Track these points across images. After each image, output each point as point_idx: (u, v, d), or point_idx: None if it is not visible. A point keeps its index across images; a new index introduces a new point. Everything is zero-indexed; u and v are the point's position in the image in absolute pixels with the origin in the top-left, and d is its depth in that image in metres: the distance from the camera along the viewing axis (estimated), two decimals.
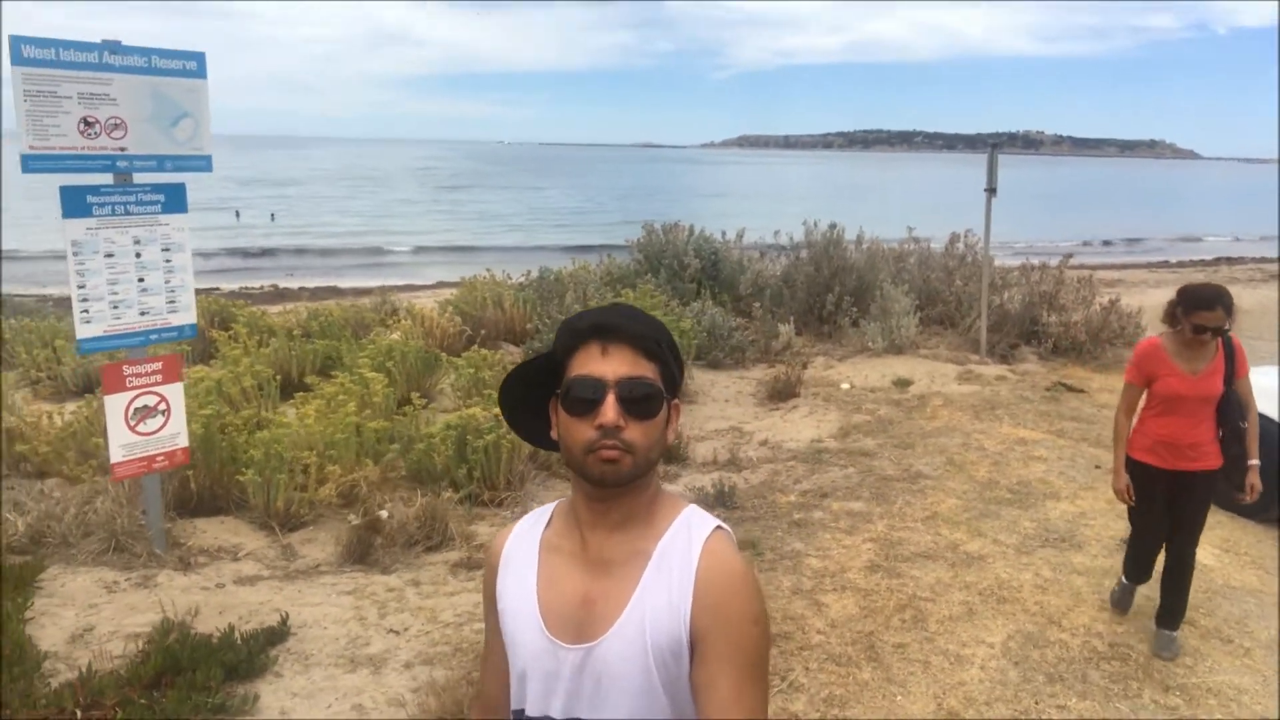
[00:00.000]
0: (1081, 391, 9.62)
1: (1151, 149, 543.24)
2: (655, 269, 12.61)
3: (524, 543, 1.53)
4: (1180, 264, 27.74)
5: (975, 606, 4.65)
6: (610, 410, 1.36)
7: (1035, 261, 12.88)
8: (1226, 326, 4.13)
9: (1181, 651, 4.32)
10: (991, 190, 10.90)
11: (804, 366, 10.16)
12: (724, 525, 1.47)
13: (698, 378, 9.80)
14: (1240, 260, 28.68)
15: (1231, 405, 4.22)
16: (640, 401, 1.39)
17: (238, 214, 39.94)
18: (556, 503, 1.58)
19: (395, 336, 10.41)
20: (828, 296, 12.10)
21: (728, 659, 1.34)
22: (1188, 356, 4.23)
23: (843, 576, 4.99)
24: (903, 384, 9.68)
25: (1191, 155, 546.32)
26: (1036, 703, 3.83)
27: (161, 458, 5.20)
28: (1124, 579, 4.71)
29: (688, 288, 12.26)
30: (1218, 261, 28.27)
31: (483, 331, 11.13)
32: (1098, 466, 6.92)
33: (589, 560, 1.45)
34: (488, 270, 13.36)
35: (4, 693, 3.56)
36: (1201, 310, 4.09)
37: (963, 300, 12.18)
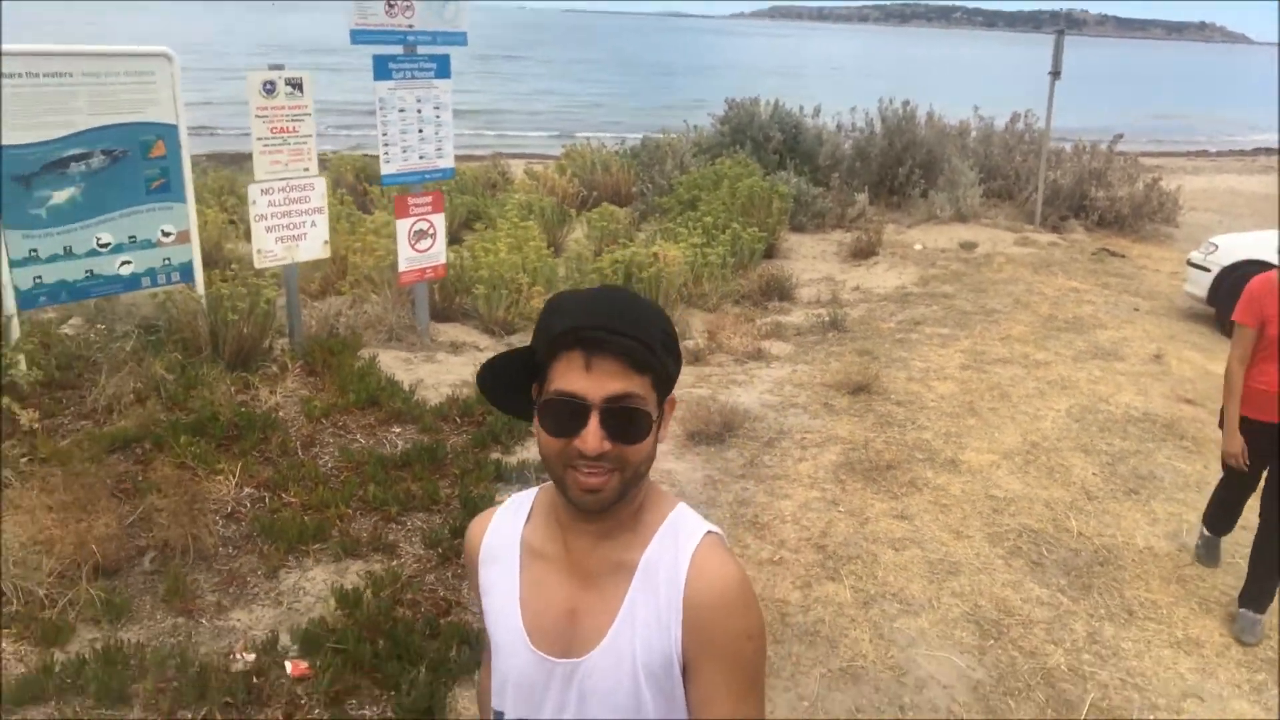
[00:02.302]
0: (1123, 257, 11.15)
1: (1201, 31, 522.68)
2: (740, 141, 13.97)
3: (504, 538, 1.45)
4: (1219, 153, 28.57)
5: (1044, 390, 6.38)
6: (592, 437, 1.25)
7: (1087, 142, 14.19)
8: None
9: (1265, 634, 3.90)
10: (1056, 74, 12.16)
11: (879, 231, 11.70)
12: (714, 529, 1.39)
13: (788, 239, 11.38)
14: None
15: None
16: (628, 423, 1.27)
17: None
18: (537, 491, 1.48)
19: (519, 196, 11.98)
20: (899, 170, 13.51)
21: (722, 677, 1.30)
22: None
23: (943, 371, 6.71)
24: (968, 246, 11.22)
25: (1243, 39, 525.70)
26: (1091, 441, 5.58)
27: (430, 270, 6.90)
28: (1205, 530, 4.40)
29: (770, 159, 13.66)
30: (1256, 152, 29.00)
31: (594, 193, 12.69)
32: (1136, 309, 8.55)
33: (573, 569, 1.38)
34: (587, 139, 14.81)
35: (398, 406, 5.33)
36: None
37: (1020, 175, 13.58)
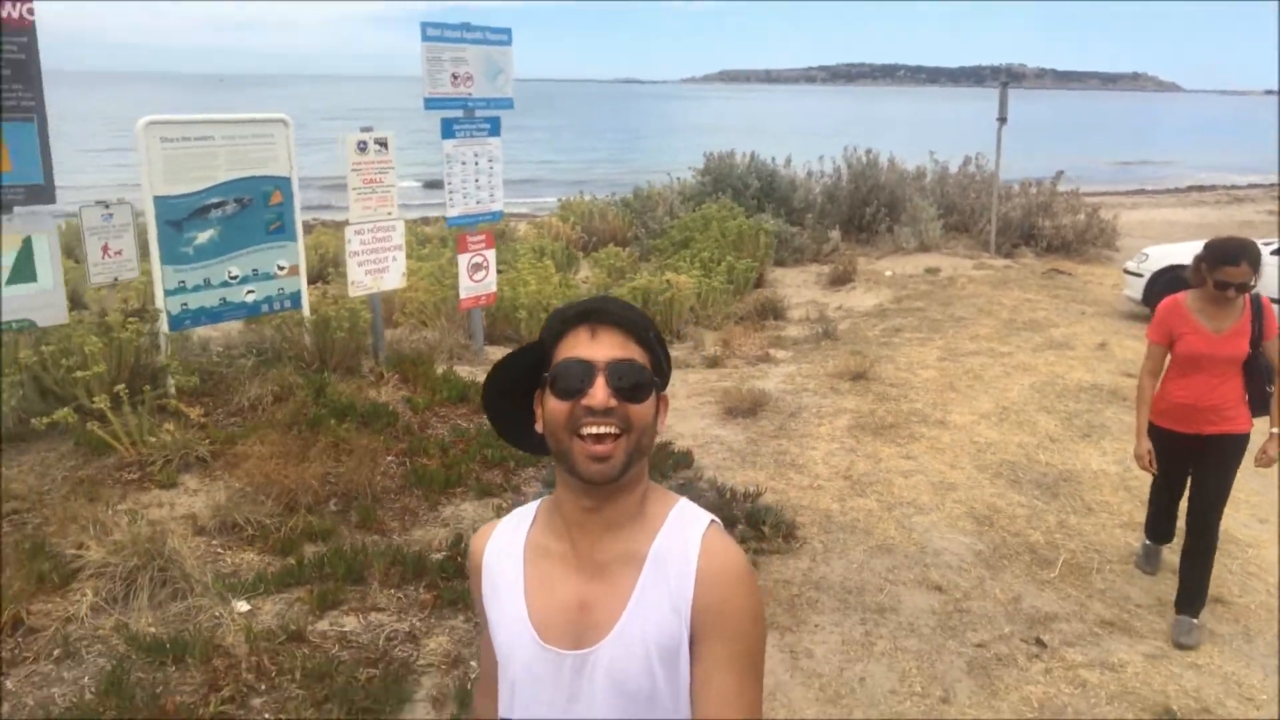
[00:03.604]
0: (1070, 275, 12.59)
1: (1134, 81, 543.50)
2: (721, 189, 15.37)
3: (507, 546, 1.48)
4: (1156, 191, 30.63)
5: (1010, 372, 7.64)
6: (600, 391, 1.33)
7: (1033, 180, 15.77)
8: (1252, 283, 3.90)
9: (1204, 639, 4.08)
10: (1002, 120, 13.71)
11: (853, 262, 13.06)
12: (716, 519, 1.45)
13: (773, 272, 12.70)
14: (1211, 187, 31.53)
15: (1259, 368, 4.01)
16: (630, 386, 1.35)
17: None
18: (540, 501, 1.53)
19: (532, 241, 13.23)
20: (866, 209, 14.97)
21: (727, 657, 1.33)
22: (1211, 314, 4.01)
23: (924, 363, 7.96)
24: (933, 271, 12.61)
25: (1173, 87, 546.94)
26: (1051, 404, 6.83)
27: (484, 297, 8.07)
28: (1146, 539, 4.63)
29: (750, 203, 15.05)
30: (1190, 189, 31.09)
31: (594, 238, 13.98)
32: (1083, 312, 9.91)
33: (580, 563, 1.41)
34: (579, 193, 16.17)
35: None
36: (1225, 265, 3.87)
37: (975, 210, 15.09)
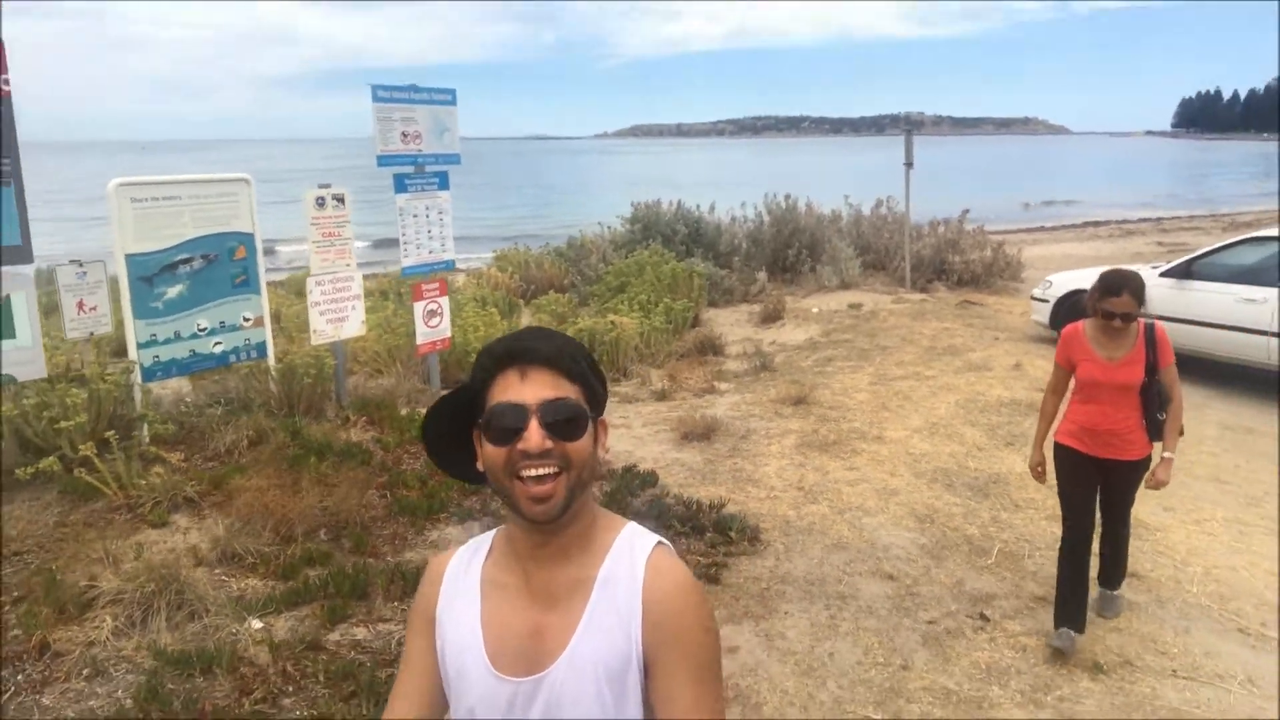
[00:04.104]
0: (981, 305, 13.43)
1: (1026, 125, 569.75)
2: (651, 236, 15.97)
3: (465, 574, 1.51)
4: (1054, 228, 32.41)
5: (936, 392, 8.26)
6: (534, 435, 1.34)
7: (940, 220, 16.76)
8: (1133, 312, 4.07)
9: (1125, 608, 4.53)
10: (909, 164, 14.64)
11: (781, 300, 13.73)
12: (664, 541, 1.47)
13: (706, 312, 13.27)
14: (1105, 223, 33.48)
15: (1151, 395, 4.14)
16: (564, 422, 1.36)
17: None
18: (495, 531, 1.55)
19: (473, 290, 13.58)
20: (788, 251, 15.72)
21: (683, 670, 1.36)
22: (1105, 343, 4.19)
23: (857, 387, 8.53)
24: (855, 306, 13.33)
25: (1063, 130, 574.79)
26: (975, 418, 7.44)
27: (440, 342, 8.40)
28: (1056, 625, 4.28)
29: (679, 249, 15.68)
30: (1085, 225, 32.96)
31: (532, 286, 14.40)
32: (996, 338, 10.67)
33: (533, 592, 1.43)
34: (514, 245, 16.61)
35: None
36: (1109, 296, 4.06)
37: (889, 249, 15.96)
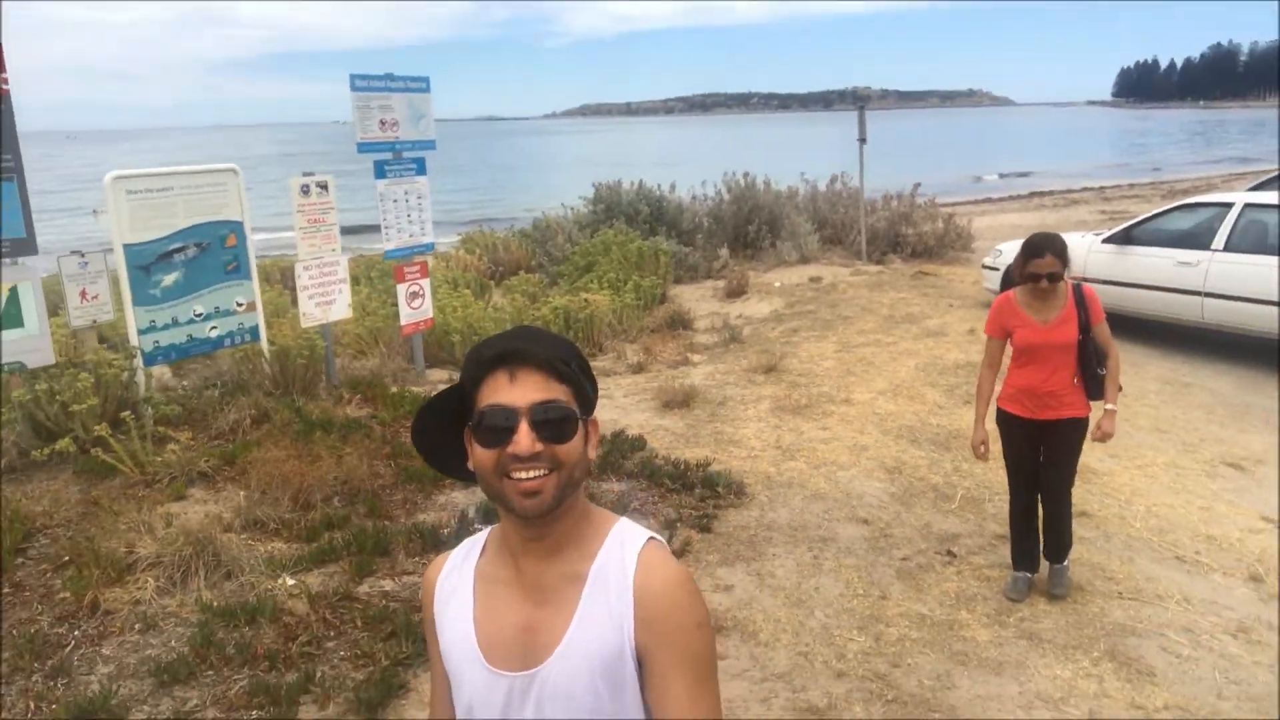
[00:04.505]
0: (935, 275, 13.99)
1: (970, 98, 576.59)
2: (614, 216, 16.30)
3: (458, 575, 1.53)
4: (1001, 199, 33.27)
5: (897, 357, 8.76)
6: (525, 438, 1.35)
7: (893, 193, 17.31)
8: (1059, 271, 4.20)
9: (1072, 584, 4.56)
10: (863, 140, 15.13)
11: (744, 276, 14.17)
12: (656, 535, 1.48)
13: (673, 289, 13.67)
14: (1050, 192, 34.41)
15: (1088, 352, 4.29)
16: (554, 425, 1.37)
17: (95, 213, 40.13)
18: (489, 530, 1.57)
19: (443, 273, 13.83)
20: (749, 228, 16.15)
21: (677, 666, 1.37)
22: (1037, 308, 4.32)
23: (823, 355, 9.00)
24: (816, 279, 13.81)
25: (1007, 101, 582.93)
26: (934, 380, 7.94)
27: (423, 323, 8.71)
28: (1014, 570, 4.64)
29: (642, 228, 16.03)
30: (1031, 195, 33.86)
31: (500, 268, 14.68)
32: (950, 305, 11.21)
33: (526, 588, 1.45)
34: (479, 228, 16.85)
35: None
36: (1034, 258, 4.20)
37: (845, 223, 16.47)
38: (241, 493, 5.33)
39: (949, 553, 4.96)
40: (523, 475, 1.37)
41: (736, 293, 13.34)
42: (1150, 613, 4.42)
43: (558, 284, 13.43)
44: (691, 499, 5.47)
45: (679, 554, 4.79)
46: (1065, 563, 4.60)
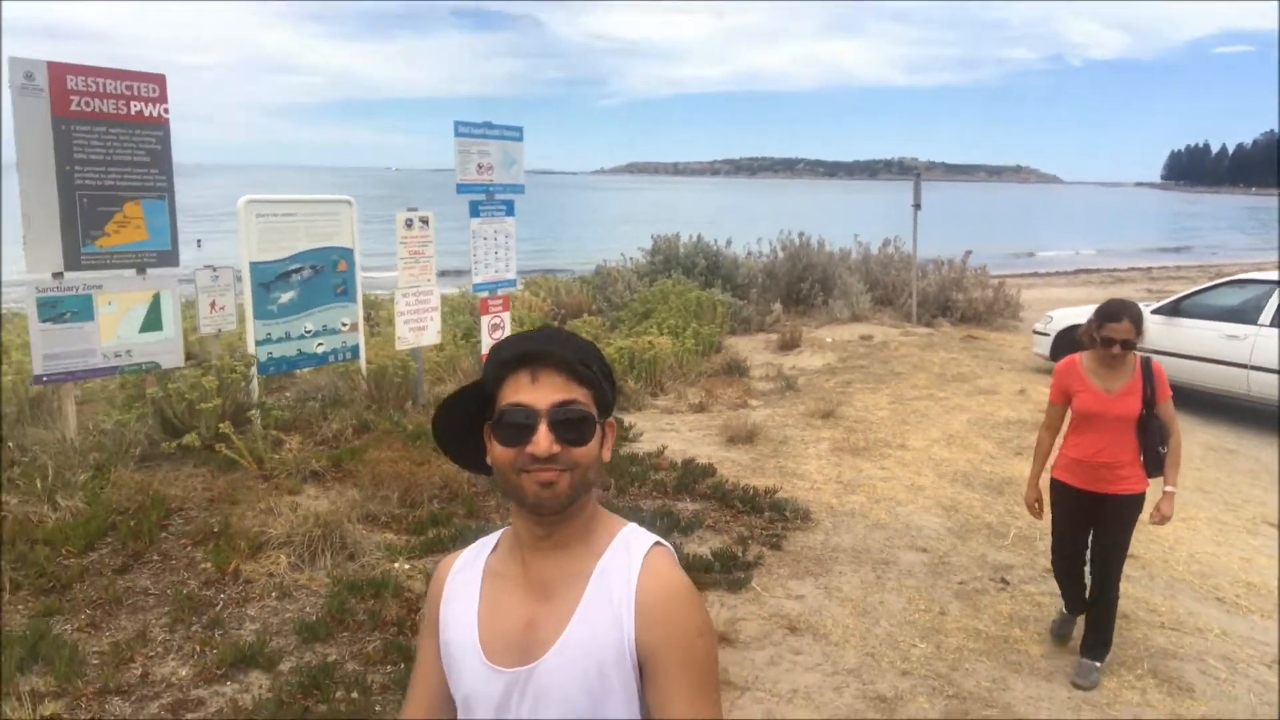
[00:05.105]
0: (984, 340, 14.40)
1: (1018, 174, 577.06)
2: (671, 268, 16.93)
3: (468, 572, 1.54)
4: (1048, 274, 33.59)
5: (950, 411, 9.18)
6: (543, 439, 1.37)
7: (944, 259, 17.81)
8: (1133, 339, 4.12)
9: (1100, 683, 4.29)
10: (917, 206, 15.68)
11: (797, 329, 14.67)
12: (663, 541, 1.49)
13: (727, 339, 14.20)
14: (1097, 270, 34.67)
15: (1151, 429, 4.18)
16: (574, 425, 1.39)
17: (199, 242, 41.69)
18: (503, 529, 1.58)
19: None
20: (802, 285, 16.71)
21: (678, 674, 1.37)
22: (1103, 375, 4.23)
23: (878, 405, 9.44)
24: (866, 337, 14.27)
25: (1055, 179, 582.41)
26: (986, 433, 8.35)
27: None
28: (1063, 609, 4.69)
29: (699, 279, 16.64)
30: (1077, 273, 34.14)
31: (562, 311, 15.32)
32: (1001, 368, 11.61)
33: (531, 584, 1.46)
34: (543, 275, 17.60)
35: None
36: (1109, 322, 4.10)
37: (896, 285, 16.96)
38: (354, 489, 5.87)
39: (1003, 580, 5.36)
40: (539, 476, 1.40)
41: (790, 345, 13.82)
42: (1191, 641, 4.78)
43: (618, 328, 14.02)
44: (761, 520, 5.92)
45: (751, 565, 5.25)
46: (1099, 663, 4.36)
